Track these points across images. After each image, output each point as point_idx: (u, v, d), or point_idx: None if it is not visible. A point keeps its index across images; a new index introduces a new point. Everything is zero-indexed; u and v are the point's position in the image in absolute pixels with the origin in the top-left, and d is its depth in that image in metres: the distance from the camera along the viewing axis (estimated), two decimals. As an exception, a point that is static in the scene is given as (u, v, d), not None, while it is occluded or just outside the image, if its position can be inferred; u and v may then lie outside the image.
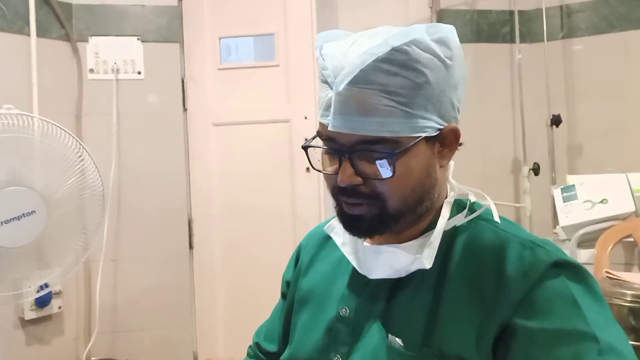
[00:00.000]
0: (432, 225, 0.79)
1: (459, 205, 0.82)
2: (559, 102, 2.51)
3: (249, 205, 2.53)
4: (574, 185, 2.06)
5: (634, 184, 2.01)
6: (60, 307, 2.32)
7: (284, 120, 2.51)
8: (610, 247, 1.89)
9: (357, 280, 0.84)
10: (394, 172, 0.70)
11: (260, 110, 2.54)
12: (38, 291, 2.15)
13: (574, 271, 0.71)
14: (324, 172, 0.78)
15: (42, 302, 2.22)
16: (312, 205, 2.48)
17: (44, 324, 2.30)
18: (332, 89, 0.71)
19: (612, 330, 0.67)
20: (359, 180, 0.73)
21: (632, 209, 1.92)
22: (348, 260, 0.87)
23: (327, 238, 0.96)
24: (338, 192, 0.76)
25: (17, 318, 2.22)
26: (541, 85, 2.53)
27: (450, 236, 0.79)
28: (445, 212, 0.80)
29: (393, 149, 0.70)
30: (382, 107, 0.69)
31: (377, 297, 0.81)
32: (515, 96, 2.58)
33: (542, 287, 0.69)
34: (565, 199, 2.04)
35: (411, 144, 0.71)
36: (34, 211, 1.44)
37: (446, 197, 0.82)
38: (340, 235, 0.87)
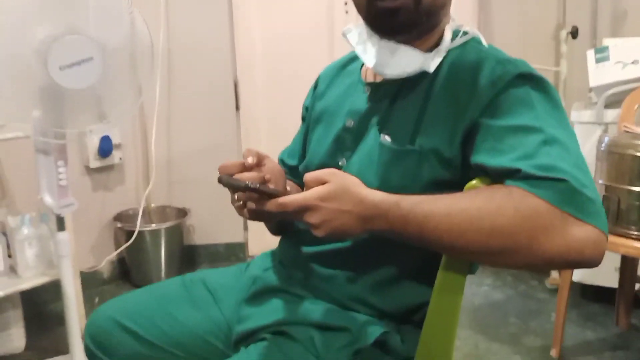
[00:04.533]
0: (434, 47, 0.92)
1: (454, 35, 0.93)
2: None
3: (290, 69, 2.65)
4: (607, 47, 2.06)
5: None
6: (120, 159, 2.57)
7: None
8: (637, 106, 1.93)
9: (364, 94, 0.98)
10: None
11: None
12: (100, 140, 2.41)
13: (538, 82, 0.83)
14: None
15: (104, 152, 2.47)
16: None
17: (106, 172, 2.58)
18: None
19: (560, 128, 0.79)
20: None
21: (662, 69, 1.93)
22: (358, 83, 1.01)
23: (341, 68, 1.10)
24: None
25: (83, 166, 2.50)
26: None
27: (444, 57, 0.91)
28: (448, 34, 0.92)
29: None
30: None
31: (381, 101, 0.94)
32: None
33: (506, 93, 0.81)
34: (597, 60, 2.06)
35: None
36: (91, 57, 1.58)
37: (448, 24, 0.94)
38: (355, 37, 0.98)
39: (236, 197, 0.88)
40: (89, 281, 2.46)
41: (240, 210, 0.92)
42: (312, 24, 2.63)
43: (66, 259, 1.72)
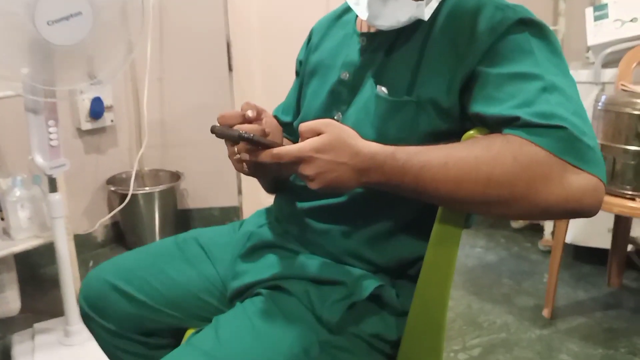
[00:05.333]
0: None
1: None
2: None
3: (285, 26, 2.60)
4: (606, 4, 2.03)
5: (670, 2, 1.97)
6: (112, 121, 2.54)
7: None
8: (635, 64, 1.92)
9: (359, 45, 0.95)
10: None
11: None
12: (91, 102, 2.37)
13: (538, 28, 0.81)
14: None
15: (95, 114, 2.43)
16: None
17: (98, 135, 2.55)
18: None
19: (560, 76, 0.77)
20: None
21: (662, 26, 1.91)
22: (352, 34, 0.98)
23: (335, 20, 1.07)
24: None
25: (74, 129, 2.47)
26: None
27: (440, 4, 0.88)
28: None
29: None
30: None
31: (377, 52, 0.92)
32: None
33: (505, 40, 0.79)
34: (596, 18, 2.03)
35: None
36: (80, 12, 1.54)
37: None
38: None
39: (236, 149, 0.86)
40: (83, 244, 2.46)
41: (238, 164, 0.90)
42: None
43: (60, 220, 1.71)
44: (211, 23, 2.62)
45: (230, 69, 2.70)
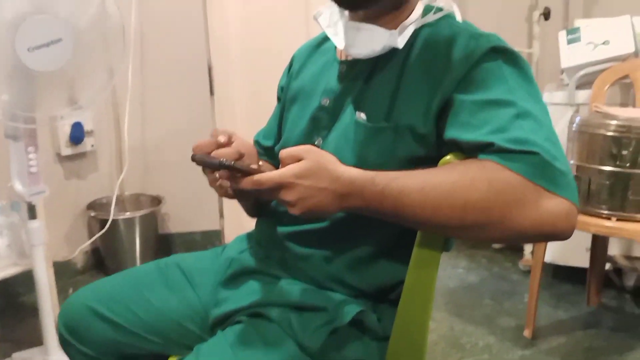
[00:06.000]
0: (406, 23, 0.91)
1: (427, 10, 0.93)
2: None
3: (266, 51, 2.62)
4: (579, 27, 2.09)
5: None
6: (92, 145, 2.53)
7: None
8: (607, 86, 1.97)
9: (339, 72, 0.98)
10: None
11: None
12: (71, 127, 2.36)
13: (511, 56, 0.83)
14: None
15: (76, 139, 2.42)
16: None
17: (79, 160, 2.53)
18: None
19: (533, 102, 0.80)
20: None
21: (632, 49, 1.96)
22: (333, 62, 1.01)
23: (316, 47, 1.09)
24: None
25: (54, 154, 2.45)
26: None
27: (416, 33, 0.91)
28: (419, 9, 0.92)
29: None
30: None
31: (356, 79, 0.94)
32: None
33: (479, 68, 0.82)
34: (569, 41, 2.08)
35: None
36: (60, 39, 1.55)
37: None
38: (326, 19, 0.99)
39: (217, 175, 0.87)
40: (63, 271, 2.42)
41: (220, 190, 0.91)
42: (287, 2, 2.61)
43: (39, 248, 1.69)
44: (192, 46, 2.63)
45: (211, 92, 2.71)
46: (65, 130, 2.40)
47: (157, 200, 2.66)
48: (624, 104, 2.04)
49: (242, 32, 2.66)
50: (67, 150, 2.43)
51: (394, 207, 0.76)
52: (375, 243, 0.92)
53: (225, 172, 0.79)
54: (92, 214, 2.51)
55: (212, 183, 0.91)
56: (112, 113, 2.61)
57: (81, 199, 2.57)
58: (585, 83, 2.05)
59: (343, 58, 0.99)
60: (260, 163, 1.02)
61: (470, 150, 0.79)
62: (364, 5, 0.91)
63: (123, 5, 2.34)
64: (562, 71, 2.22)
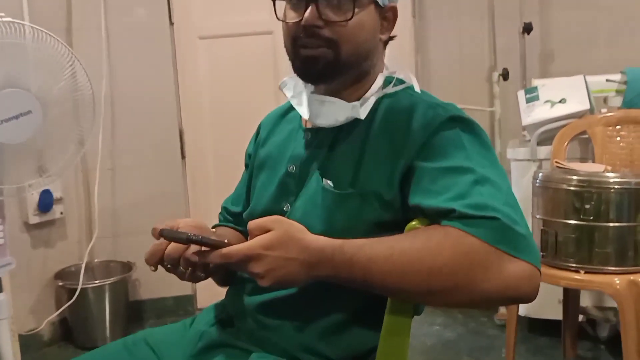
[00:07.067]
0: (368, 95, 0.95)
1: (388, 82, 0.97)
2: (532, 11, 2.60)
3: (237, 115, 2.66)
4: (536, 87, 2.18)
5: (594, 86, 2.14)
6: (62, 213, 2.50)
7: (267, 32, 2.60)
8: (567, 142, 2.04)
9: (304, 140, 1.00)
10: (352, 16, 0.87)
11: (244, 23, 2.64)
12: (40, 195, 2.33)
13: (468, 124, 0.87)
14: (288, 21, 0.92)
15: (44, 207, 2.39)
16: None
17: (47, 228, 2.49)
18: None
19: (490, 168, 0.83)
20: (321, 23, 0.88)
21: (587, 107, 2.05)
22: (298, 129, 1.03)
23: (282, 116, 1.12)
24: (298, 39, 0.91)
25: (22, 222, 2.40)
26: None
27: (377, 103, 0.95)
28: (380, 80, 0.96)
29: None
30: None
31: (321, 147, 0.97)
32: (489, 6, 2.67)
33: (438, 136, 0.85)
34: (528, 100, 2.17)
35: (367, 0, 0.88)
36: (30, 111, 1.56)
37: (381, 72, 0.98)
38: (290, 90, 1.02)
39: (181, 266, 0.88)
40: (29, 344, 2.33)
41: (192, 277, 0.91)
42: (257, 69, 2.68)
43: (4, 322, 1.64)
44: (163, 111, 2.67)
45: (183, 156, 2.73)
46: (33, 198, 2.37)
47: (127, 267, 2.61)
48: (583, 159, 2.11)
49: (213, 96, 2.71)
50: (35, 219, 2.40)
51: (364, 275, 0.77)
52: (346, 310, 0.92)
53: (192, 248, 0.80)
54: (60, 283, 2.45)
55: (182, 277, 0.91)
56: (82, 179, 2.60)
57: (49, 268, 2.51)
58: (546, 139, 2.12)
59: (308, 126, 1.02)
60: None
61: (433, 216, 0.81)
62: (326, 80, 0.94)
63: (94, 73, 2.37)
64: (524, 128, 2.30)
